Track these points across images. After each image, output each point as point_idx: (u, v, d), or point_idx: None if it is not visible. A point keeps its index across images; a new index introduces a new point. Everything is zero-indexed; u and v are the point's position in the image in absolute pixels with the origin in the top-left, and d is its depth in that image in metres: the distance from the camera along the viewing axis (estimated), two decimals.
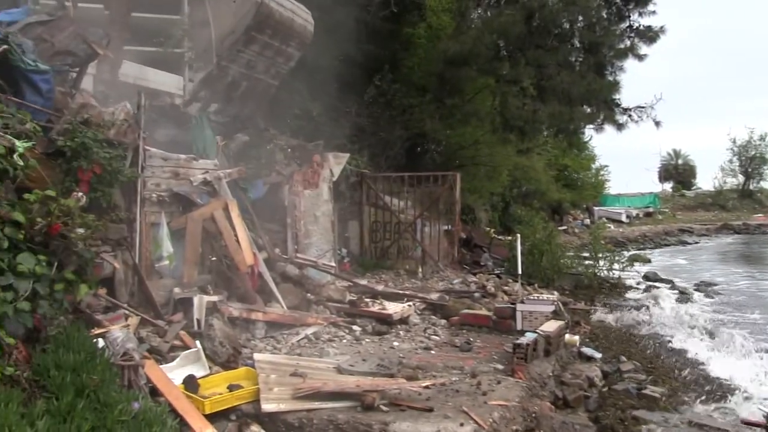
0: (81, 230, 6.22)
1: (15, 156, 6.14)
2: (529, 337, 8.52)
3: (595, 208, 49.52)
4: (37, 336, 5.75)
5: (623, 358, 10.20)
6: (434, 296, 12.10)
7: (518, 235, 13.55)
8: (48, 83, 8.21)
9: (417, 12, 20.47)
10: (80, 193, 7.04)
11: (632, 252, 27.22)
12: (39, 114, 7.98)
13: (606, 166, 52.22)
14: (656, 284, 20.16)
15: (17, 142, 6.30)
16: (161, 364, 6.89)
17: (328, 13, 17.71)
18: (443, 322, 10.84)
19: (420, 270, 15.65)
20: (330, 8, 17.57)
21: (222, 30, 11.90)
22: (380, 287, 12.76)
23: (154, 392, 6.15)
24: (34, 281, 5.60)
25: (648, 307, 15.26)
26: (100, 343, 6.30)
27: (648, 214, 56.92)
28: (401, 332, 9.93)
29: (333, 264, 12.82)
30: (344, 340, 9.22)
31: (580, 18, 18.50)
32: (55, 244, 6.02)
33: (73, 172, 7.56)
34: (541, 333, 8.94)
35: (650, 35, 18.62)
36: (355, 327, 9.83)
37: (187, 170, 9.68)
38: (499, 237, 23.17)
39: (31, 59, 7.93)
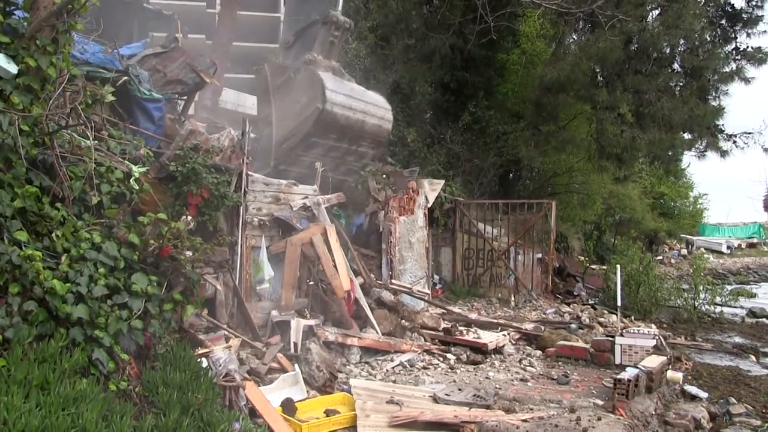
0: (189, 253, 6.45)
1: (132, 180, 6.46)
2: (631, 372, 8.16)
3: (694, 238, 47.42)
4: (146, 353, 5.98)
5: (732, 400, 9.60)
6: (529, 326, 11.84)
7: (618, 266, 13.10)
8: (160, 111, 8.65)
9: (511, 38, 20.38)
10: (189, 217, 7.30)
11: (734, 285, 25.78)
12: (151, 140, 8.41)
13: (705, 194, 49.98)
14: (764, 320, 18.97)
15: (133, 167, 6.62)
16: (260, 385, 7.00)
17: (422, 40, 17.94)
18: (538, 353, 10.57)
19: (513, 299, 15.39)
20: (425, 36, 17.78)
21: (284, 131, 11.43)
22: (473, 315, 12.61)
23: (253, 413, 6.24)
24: (145, 301, 5.83)
25: (756, 346, 14.37)
26: (204, 362, 6.48)
27: (752, 245, 53.92)
28: (496, 362, 9.75)
29: (427, 291, 12.76)
30: (439, 368, 9.12)
31: (682, 41, 17.91)
32: (165, 265, 6.27)
33: (182, 196, 7.87)
34: (642, 368, 8.56)
35: (759, 57, 17.79)
36: (449, 355, 9.72)
37: (288, 195, 9.90)
38: (593, 266, 22.53)
39: (147, 88, 8.38)
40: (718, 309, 17.75)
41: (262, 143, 11.51)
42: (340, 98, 11.14)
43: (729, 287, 21.21)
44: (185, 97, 11.04)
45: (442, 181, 14.83)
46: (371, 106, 12.00)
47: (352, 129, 11.61)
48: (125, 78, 8.19)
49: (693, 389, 9.54)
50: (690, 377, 10.55)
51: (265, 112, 11.83)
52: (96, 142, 6.46)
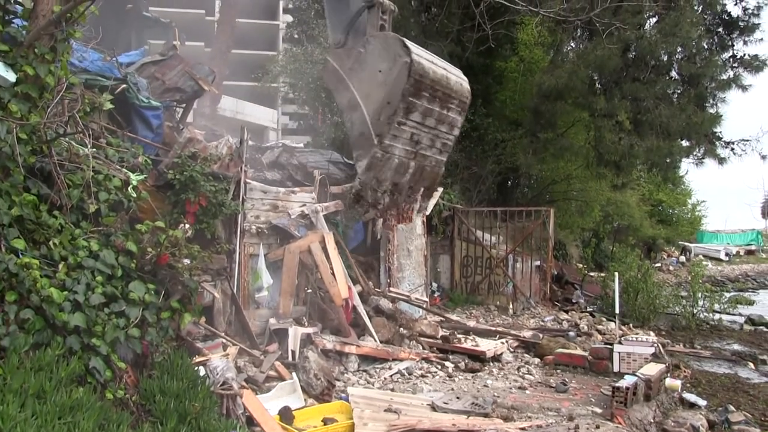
0: (187, 261, 6.44)
1: (129, 188, 6.46)
2: (629, 380, 8.16)
3: (692, 245, 47.44)
4: (144, 362, 5.96)
5: (731, 408, 9.58)
6: (527, 334, 11.82)
7: (616, 273, 13.11)
8: (159, 119, 8.65)
9: (510, 46, 20.42)
10: (187, 225, 7.29)
11: (733, 293, 25.75)
12: (149, 148, 8.42)
13: (703, 201, 50.04)
14: (763, 328, 18.95)
15: (131, 175, 6.62)
16: (257, 394, 6.99)
17: (421, 48, 17.95)
18: (537, 360, 10.56)
19: (511, 306, 15.39)
20: (422, 43, 17.78)
21: (374, 105, 10.59)
22: (472, 323, 12.60)
23: (251, 422, 6.23)
24: (143, 309, 5.82)
25: (755, 354, 14.35)
26: (201, 371, 6.46)
27: (750, 252, 53.99)
28: (494, 370, 9.74)
29: (425, 298, 12.76)
30: (437, 376, 9.10)
31: (679, 49, 17.97)
32: (163, 273, 6.26)
33: (180, 204, 7.88)
34: (641, 376, 8.55)
35: (756, 64, 17.85)
36: (447, 363, 9.70)
37: (286, 203, 9.91)
38: (591, 274, 22.53)
39: (145, 96, 8.39)
40: (717, 316, 17.75)
41: (356, 129, 10.70)
42: (422, 52, 10.60)
43: (727, 294, 21.19)
44: (184, 105, 11.06)
45: (440, 189, 14.82)
46: (448, 65, 11.45)
47: (440, 84, 10.93)
48: (124, 86, 8.20)
49: (691, 397, 9.54)
50: (688, 385, 10.54)
51: (346, 98, 10.87)
52: (94, 150, 6.47)
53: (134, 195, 6.57)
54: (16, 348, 4.78)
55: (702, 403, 9.46)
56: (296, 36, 27.49)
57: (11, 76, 5.38)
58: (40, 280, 5.09)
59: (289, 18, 32.43)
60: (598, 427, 7.03)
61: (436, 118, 11.16)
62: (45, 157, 5.91)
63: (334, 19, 12.06)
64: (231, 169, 9.11)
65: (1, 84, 5.35)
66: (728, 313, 18.63)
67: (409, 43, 10.46)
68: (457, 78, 11.47)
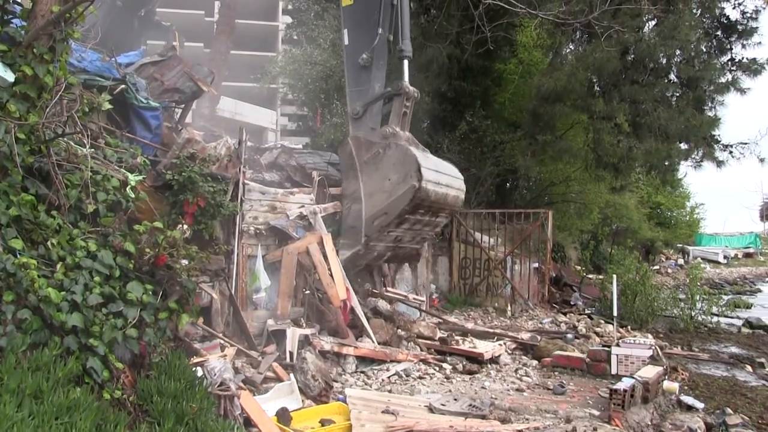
0: (185, 261, 6.42)
1: (128, 189, 6.45)
2: (627, 382, 8.15)
3: (690, 248, 47.48)
4: (141, 362, 5.94)
5: (729, 410, 9.57)
6: (525, 336, 11.83)
7: (614, 276, 13.12)
8: (157, 119, 8.65)
9: (509, 48, 20.45)
10: (185, 226, 7.29)
11: (731, 296, 25.77)
12: (148, 148, 8.42)
13: (701, 204, 50.06)
14: (761, 331, 18.95)
15: (130, 176, 6.62)
16: (255, 395, 6.99)
17: (420, 50, 17.97)
18: (535, 362, 10.57)
19: (509, 308, 15.39)
20: (422, 45, 17.81)
21: (374, 209, 11.42)
22: (470, 325, 12.61)
23: (248, 423, 6.22)
24: (140, 309, 5.81)
25: (753, 357, 14.35)
26: (199, 371, 6.45)
27: (748, 255, 54.07)
28: (492, 372, 9.74)
29: (423, 299, 12.76)
30: (435, 378, 9.10)
31: (678, 52, 17.99)
32: (160, 274, 6.24)
33: (179, 205, 7.89)
34: (638, 379, 8.55)
35: (754, 68, 17.87)
36: (445, 365, 9.71)
37: (284, 204, 9.92)
38: (589, 276, 22.54)
39: (144, 97, 8.39)
40: (715, 319, 17.74)
41: (350, 220, 11.59)
42: (431, 175, 11.29)
43: (725, 297, 21.20)
44: (182, 106, 11.06)
45: None
46: (452, 179, 12.22)
47: (438, 203, 11.82)
48: (122, 86, 8.20)
49: (689, 400, 9.52)
50: (686, 387, 10.53)
51: (352, 188, 11.77)
52: (92, 150, 6.46)
53: (132, 195, 6.56)
54: (13, 348, 4.77)
55: (699, 405, 9.44)
56: (295, 37, 27.57)
57: (10, 76, 5.37)
58: (38, 280, 5.08)
59: (288, 19, 32.51)
60: (595, 429, 7.04)
61: (424, 224, 12.19)
62: (43, 157, 5.90)
63: (354, 88, 12.45)
64: (229, 170, 9.12)
65: (0, 84, 5.35)
66: (726, 316, 18.61)
67: (423, 164, 11.12)
68: (455, 193, 12.37)
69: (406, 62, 12.22)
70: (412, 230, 11.99)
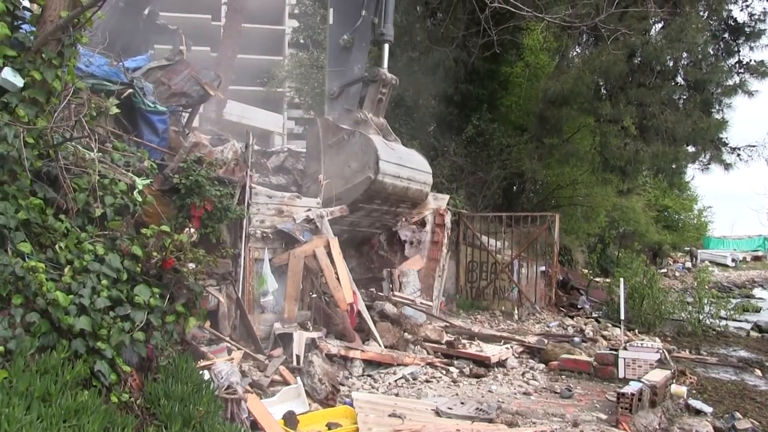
0: (192, 265, 6.45)
1: (135, 193, 6.48)
2: (634, 386, 8.12)
3: (698, 251, 47.27)
4: (149, 365, 5.97)
5: (738, 415, 9.50)
6: (532, 339, 11.79)
7: (622, 279, 13.07)
8: (164, 123, 8.69)
9: (515, 51, 20.46)
10: (192, 229, 7.31)
11: (739, 299, 25.58)
12: (155, 152, 8.45)
13: (709, 206, 49.83)
14: None
15: (137, 180, 6.65)
16: (262, 398, 6.99)
17: (426, 53, 18.02)
18: (542, 366, 10.53)
19: (516, 311, 15.35)
20: (429, 49, 17.85)
21: (329, 192, 11.42)
22: (477, 328, 12.58)
23: (255, 426, 6.23)
24: (148, 313, 5.84)
25: (762, 361, 14.26)
26: (206, 375, 6.47)
27: (756, 258, 53.75)
28: (499, 375, 9.71)
29: (430, 303, 12.74)
30: (442, 382, 9.09)
31: (685, 55, 17.96)
32: (168, 277, 6.27)
33: (186, 209, 7.91)
34: (646, 382, 8.52)
35: (762, 70, 17.82)
36: (452, 368, 9.69)
37: (291, 208, 9.93)
38: (596, 279, 22.48)
39: (151, 101, 8.43)
40: (723, 322, 17.64)
41: (308, 195, 11.52)
42: (391, 168, 11.36)
43: (734, 300, 21.08)
44: (189, 110, 11.11)
45: (447, 196, 14.85)
46: (416, 172, 12.23)
47: (397, 195, 11.90)
48: (130, 90, 8.25)
49: (697, 404, 9.46)
50: (694, 391, 10.47)
51: (313, 168, 11.90)
52: (100, 154, 6.50)
53: (140, 199, 6.60)
54: (22, 351, 4.80)
55: (708, 409, 9.38)
56: (302, 41, 27.63)
57: (19, 81, 5.42)
58: (46, 283, 5.11)
59: (294, 23, 32.59)
60: None
61: (383, 212, 12.28)
62: (51, 161, 5.94)
63: (334, 68, 12.47)
64: (236, 174, 9.14)
65: (9, 89, 5.39)
66: (735, 320, 18.51)
67: (383, 156, 11.13)
68: (418, 186, 12.33)
69: (386, 46, 12.28)
70: (369, 217, 12.11)
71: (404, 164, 11.87)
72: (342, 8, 12.59)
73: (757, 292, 33.76)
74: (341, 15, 12.59)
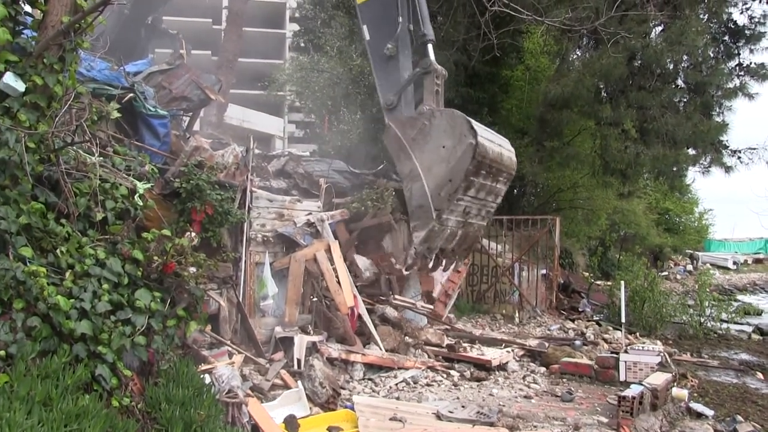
0: (193, 269, 6.45)
1: (136, 197, 6.50)
2: (635, 389, 8.13)
3: (699, 254, 47.22)
4: (149, 369, 5.97)
5: (739, 418, 9.51)
6: (533, 343, 11.80)
7: (623, 282, 13.08)
8: (165, 127, 8.72)
9: (515, 55, 20.45)
10: (193, 233, 7.33)
11: (740, 302, 25.54)
12: (156, 156, 8.47)
13: (710, 209, 49.87)
14: None
15: (138, 184, 6.66)
16: (262, 402, 7.00)
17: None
18: (543, 369, 10.54)
19: (517, 315, 15.35)
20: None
21: (436, 179, 11.02)
22: (477, 332, 12.59)
23: (256, 430, 6.24)
24: (149, 317, 5.84)
25: (764, 364, 14.24)
26: (207, 379, 6.48)
27: (758, 261, 53.67)
28: (500, 379, 9.72)
29: (431, 306, 12.75)
30: (442, 385, 9.09)
31: (685, 57, 17.96)
32: (169, 281, 6.27)
33: (187, 213, 7.92)
34: (647, 385, 8.52)
35: (763, 73, 17.81)
36: (453, 372, 9.70)
37: (292, 211, 9.94)
38: (597, 282, 22.46)
39: (152, 105, 8.45)
40: (725, 325, 17.63)
41: (415, 200, 11.16)
42: (484, 132, 11.00)
43: (735, 303, 21.06)
44: (190, 114, 11.13)
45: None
46: (501, 140, 11.98)
47: (496, 162, 11.45)
48: (131, 95, 8.26)
49: (699, 407, 9.47)
50: (696, 394, 10.48)
51: (407, 168, 11.29)
52: (101, 158, 6.51)
53: (141, 203, 6.61)
54: (23, 355, 4.81)
55: (709, 413, 9.39)
56: (302, 45, 27.68)
57: (20, 86, 5.43)
58: (47, 287, 5.11)
59: (295, 27, 32.63)
60: None
61: (487, 191, 11.63)
62: (53, 166, 5.95)
63: (383, 80, 12.46)
64: (237, 178, 9.16)
65: (11, 93, 5.41)
66: (736, 323, 18.49)
67: (474, 123, 10.78)
68: (509, 153, 11.93)
69: (430, 46, 12.25)
70: (477, 200, 11.53)
71: (489, 131, 11.51)
72: (376, 22, 12.54)
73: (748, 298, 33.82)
74: (376, 28, 12.61)
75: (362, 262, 11.44)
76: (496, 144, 11.34)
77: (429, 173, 10.94)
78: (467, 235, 11.73)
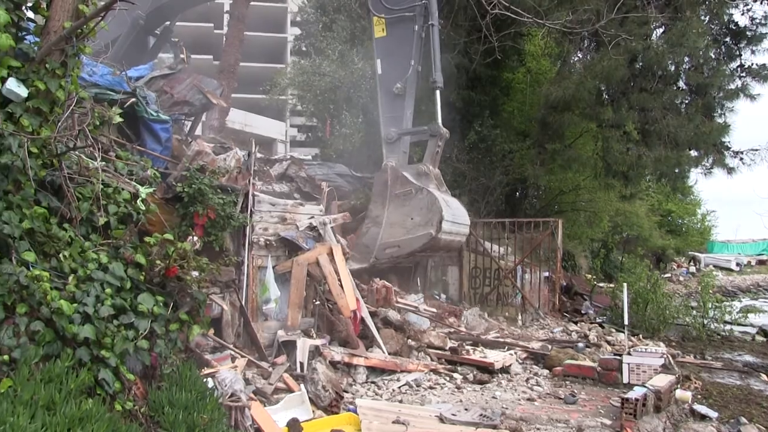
0: (195, 273, 6.47)
1: (138, 201, 6.51)
2: (638, 391, 8.11)
3: (702, 256, 47.11)
4: (152, 373, 5.98)
5: (744, 420, 9.46)
6: (536, 345, 11.79)
7: (625, 284, 13.07)
8: (167, 132, 8.73)
9: (517, 57, 20.48)
10: (195, 237, 7.34)
11: (744, 303, 25.48)
12: (158, 161, 8.49)
13: (713, 211, 49.79)
14: None
15: (140, 188, 6.68)
16: (265, 405, 7.00)
17: (429, 59, 18.05)
18: (545, 372, 10.53)
19: (520, 317, 15.35)
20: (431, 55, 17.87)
21: (389, 238, 12.56)
22: (481, 334, 12.58)
23: None
24: (151, 321, 5.85)
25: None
26: (210, 382, 6.48)
27: (761, 262, 53.49)
28: (503, 381, 9.71)
29: (433, 310, 12.77)
30: (445, 388, 9.09)
31: (687, 59, 17.95)
32: (171, 285, 6.29)
33: (189, 217, 7.93)
34: (650, 387, 8.50)
35: (764, 74, 17.78)
36: (456, 375, 9.70)
37: (294, 215, 9.95)
38: (600, 284, 22.43)
39: (154, 110, 8.46)
40: (728, 327, 17.58)
41: (366, 239, 12.72)
42: (448, 226, 12.44)
43: (738, 305, 20.99)
44: (192, 118, 11.15)
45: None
46: (461, 227, 13.40)
47: (445, 248, 13.29)
48: (133, 99, 8.28)
49: (702, 409, 9.43)
50: (699, 396, 10.44)
51: (376, 212, 12.91)
52: (103, 163, 6.52)
53: (143, 208, 6.62)
54: (26, 359, 4.82)
55: (713, 414, 9.35)
56: (304, 49, 27.69)
57: (23, 91, 5.45)
58: (51, 292, 5.13)
59: (297, 31, 32.70)
60: None
61: (425, 256, 13.83)
62: (55, 171, 5.96)
63: (388, 114, 13.49)
64: (239, 182, 9.17)
65: (14, 99, 5.42)
66: (740, 324, 18.43)
67: (446, 216, 12.33)
68: (460, 238, 13.82)
69: (438, 93, 13.11)
70: (413, 257, 13.32)
71: (457, 221, 12.95)
72: (390, 59, 13.82)
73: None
74: (389, 65, 13.92)
75: None
76: (454, 233, 12.96)
77: (388, 229, 12.59)
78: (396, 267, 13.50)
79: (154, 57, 14.62)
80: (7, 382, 4.63)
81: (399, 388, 8.78)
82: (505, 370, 10.22)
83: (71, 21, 5.79)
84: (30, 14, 5.96)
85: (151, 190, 7.02)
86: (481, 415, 7.43)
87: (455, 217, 12.92)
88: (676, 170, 19.62)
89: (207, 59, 33.47)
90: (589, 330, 14.67)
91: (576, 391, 9.29)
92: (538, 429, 7.36)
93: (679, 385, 9.70)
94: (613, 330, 14.78)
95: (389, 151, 13.60)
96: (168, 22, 16.03)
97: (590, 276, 24.46)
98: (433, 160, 13.42)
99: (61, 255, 5.64)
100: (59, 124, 5.84)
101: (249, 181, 9.27)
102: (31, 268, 5.18)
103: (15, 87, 5.39)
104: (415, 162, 14.03)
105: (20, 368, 4.74)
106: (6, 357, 4.77)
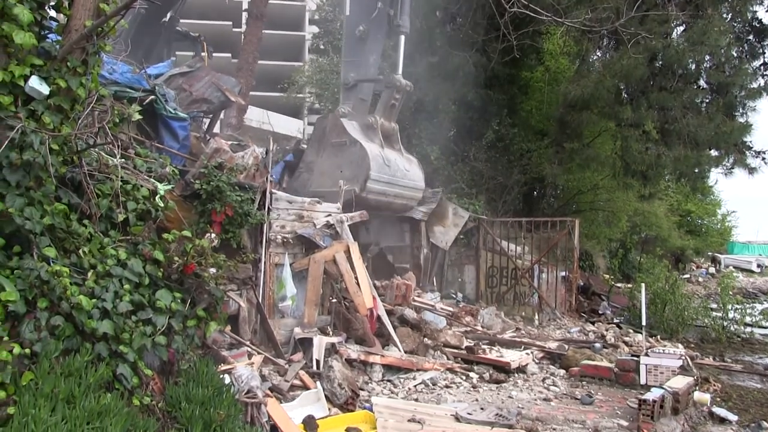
0: (213, 270, 6.50)
1: (157, 198, 6.56)
2: (656, 392, 8.06)
3: (722, 256, 46.59)
4: (170, 369, 6.03)
5: (765, 424, 9.33)
6: (552, 345, 11.74)
7: (643, 285, 12.96)
8: (185, 130, 8.79)
9: (535, 56, 20.37)
10: (213, 234, 7.38)
11: (766, 305, 25.16)
12: (176, 158, 8.54)
13: (733, 211, 49.14)
14: None
15: (159, 185, 6.73)
16: (282, 402, 7.03)
17: (446, 58, 18.01)
18: (562, 372, 10.49)
19: (537, 317, 15.28)
20: (448, 54, 17.84)
21: (317, 187, 12.20)
22: (497, 333, 12.55)
23: (275, 430, 6.28)
24: (169, 317, 5.90)
25: None
26: (226, 379, 6.52)
27: None
28: (519, 381, 9.68)
29: (450, 309, 12.75)
30: (461, 387, 9.08)
31: (708, 57, 17.74)
32: (189, 282, 6.33)
33: (207, 214, 7.98)
34: (668, 389, 8.44)
35: None
36: (472, 374, 9.68)
37: (311, 213, 9.98)
38: (618, 285, 22.27)
39: (172, 107, 8.52)
40: (749, 329, 17.37)
41: (296, 183, 12.30)
42: (378, 186, 11.97)
43: (759, 306, 20.72)
44: (210, 116, 11.22)
45: (468, 214, 14.98)
46: (405, 189, 12.83)
47: (379, 208, 12.45)
48: (152, 97, 8.34)
49: (722, 411, 9.34)
50: (719, 399, 10.34)
51: (311, 158, 12.46)
52: (123, 160, 6.59)
53: (161, 205, 6.67)
54: (47, 353, 4.88)
55: (733, 418, 9.25)
56: (322, 47, 27.75)
57: (45, 89, 5.51)
58: (70, 287, 5.19)
59: (314, 29, 32.73)
60: None
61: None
62: (75, 168, 6.03)
63: (350, 57, 12.87)
64: (257, 180, 9.21)
65: (36, 96, 5.49)
66: (761, 326, 18.21)
67: (375, 176, 11.82)
68: (403, 201, 13.19)
69: (402, 38, 12.56)
70: None
71: (395, 182, 12.39)
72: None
73: None
74: (358, 5, 13.06)
75: None
76: (390, 195, 12.40)
77: (319, 177, 12.12)
78: None
79: (164, 49, 14.63)
80: (28, 375, 4.70)
81: (415, 386, 8.79)
82: (521, 369, 10.19)
83: (92, 19, 5.85)
84: (52, 13, 6.02)
85: (169, 187, 7.08)
86: (496, 414, 7.41)
87: (395, 177, 12.40)
88: (696, 170, 19.38)
89: (225, 57, 33.58)
90: (607, 330, 14.58)
91: (593, 392, 9.25)
92: (554, 429, 7.34)
93: (697, 387, 9.62)
94: (631, 331, 14.67)
95: (345, 96, 13.15)
96: (172, 12, 15.79)
97: (608, 276, 24.26)
98: (387, 113, 12.79)
99: (80, 251, 5.71)
100: (80, 121, 5.90)
101: (266, 178, 9.31)
102: (51, 264, 5.24)
103: (37, 85, 5.45)
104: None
105: (41, 362, 4.81)
106: (27, 350, 4.83)
